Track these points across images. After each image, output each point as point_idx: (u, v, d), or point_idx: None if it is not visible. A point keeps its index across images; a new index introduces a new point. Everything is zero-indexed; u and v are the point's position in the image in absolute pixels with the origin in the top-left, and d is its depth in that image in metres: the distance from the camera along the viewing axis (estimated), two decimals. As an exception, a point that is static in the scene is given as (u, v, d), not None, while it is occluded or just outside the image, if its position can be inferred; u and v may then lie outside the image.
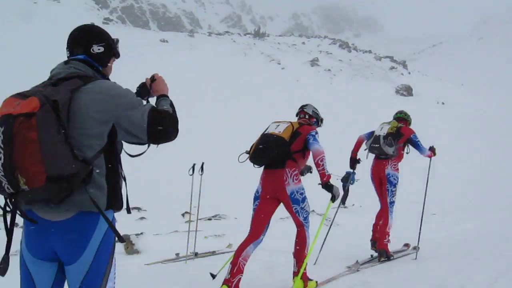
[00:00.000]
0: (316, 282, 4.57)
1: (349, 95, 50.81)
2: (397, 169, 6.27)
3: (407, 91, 55.10)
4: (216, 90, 46.18)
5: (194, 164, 6.64)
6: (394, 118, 6.64)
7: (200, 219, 13.89)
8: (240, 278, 4.14)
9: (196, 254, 6.53)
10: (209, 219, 14.31)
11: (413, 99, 52.62)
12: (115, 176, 2.10)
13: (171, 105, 2.25)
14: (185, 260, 6.14)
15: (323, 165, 4.23)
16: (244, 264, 4.24)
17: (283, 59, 63.75)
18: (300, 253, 4.43)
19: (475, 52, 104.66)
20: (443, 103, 50.47)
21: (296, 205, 4.33)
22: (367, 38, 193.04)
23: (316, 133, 4.41)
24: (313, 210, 7.37)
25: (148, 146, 2.23)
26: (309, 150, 4.37)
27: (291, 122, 4.48)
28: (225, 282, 4.10)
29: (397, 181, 6.21)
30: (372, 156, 6.41)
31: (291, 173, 4.28)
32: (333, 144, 35.15)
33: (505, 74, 74.95)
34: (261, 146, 4.27)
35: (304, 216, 4.42)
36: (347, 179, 19.83)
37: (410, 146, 6.41)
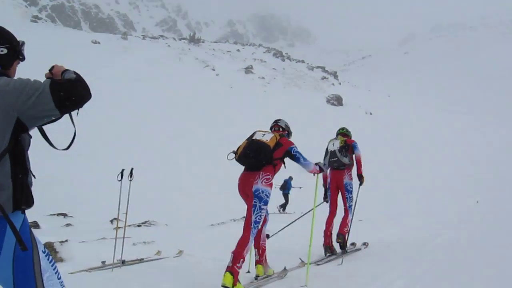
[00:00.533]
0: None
1: (282, 103, 51.52)
2: (351, 178, 7.32)
3: (337, 100, 56.71)
4: (149, 94, 45.42)
5: (123, 170, 6.51)
6: (338, 133, 7.75)
7: (129, 225, 13.60)
8: (265, 255, 5.44)
9: (123, 262, 6.38)
10: (139, 226, 14.04)
11: (343, 109, 54.27)
12: (22, 173, 2.02)
13: (75, 73, 2.17)
14: (112, 268, 5.99)
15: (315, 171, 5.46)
16: (265, 244, 5.50)
17: (217, 66, 63.74)
18: (239, 251, 4.75)
19: (401, 65, 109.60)
20: (371, 113, 52.42)
21: (258, 201, 4.98)
22: (300, 48, 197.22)
23: (297, 149, 5.29)
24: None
25: (74, 126, 2.18)
26: (283, 159, 5.29)
27: (274, 134, 5.32)
28: (257, 263, 5.38)
29: (353, 189, 7.26)
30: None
31: (263, 176, 5.01)
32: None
33: (428, 86, 79.01)
34: (249, 151, 5.05)
35: (257, 218, 4.97)
36: (285, 187, 20.23)
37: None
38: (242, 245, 4.82)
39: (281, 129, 5.77)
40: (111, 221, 14.09)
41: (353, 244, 7.63)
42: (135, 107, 41.54)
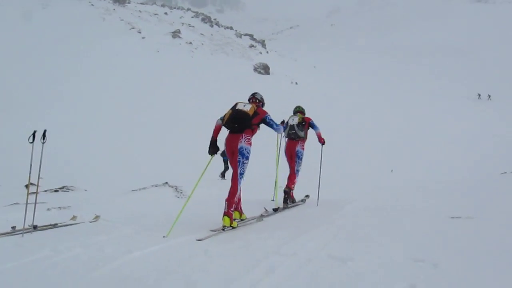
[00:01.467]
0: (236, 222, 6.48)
1: (209, 70, 51.02)
2: (303, 148, 8.99)
3: (264, 69, 56.95)
4: (70, 55, 43.31)
5: (35, 131, 6.19)
6: (295, 110, 9.33)
7: (45, 191, 13.15)
8: (240, 205, 6.70)
9: (35, 227, 6.15)
10: (56, 191, 13.55)
11: (269, 78, 54.64)
12: None
13: None
14: (22, 234, 5.77)
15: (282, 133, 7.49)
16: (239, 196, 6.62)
17: (144, 28, 61.68)
18: (230, 199, 6.25)
19: (327, 37, 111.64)
20: (296, 83, 53.19)
21: (241, 157, 6.40)
22: (229, 15, 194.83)
23: (270, 117, 6.71)
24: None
25: None
26: (260, 124, 6.64)
27: (252, 104, 6.64)
28: (224, 214, 6.14)
29: (302, 156, 8.96)
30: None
31: (245, 137, 6.45)
32: (195, 118, 35.22)
33: (353, 58, 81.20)
34: (236, 118, 6.44)
35: (242, 170, 6.41)
36: (225, 153, 20.09)
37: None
38: (233, 193, 6.31)
39: (257, 101, 7.05)
40: (26, 186, 13.51)
41: (307, 196, 9.69)
42: (55, 68, 39.56)
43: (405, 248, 4.36)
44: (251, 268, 3.95)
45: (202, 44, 63.93)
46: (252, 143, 6.49)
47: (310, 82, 53.69)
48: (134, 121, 32.99)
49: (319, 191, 9.01)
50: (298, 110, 9.28)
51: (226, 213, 6.12)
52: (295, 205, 8.82)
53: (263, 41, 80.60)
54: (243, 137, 6.45)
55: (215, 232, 5.95)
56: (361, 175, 19.43)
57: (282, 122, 8.41)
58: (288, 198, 8.66)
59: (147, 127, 32.30)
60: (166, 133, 31.32)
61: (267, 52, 71.62)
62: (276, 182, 7.98)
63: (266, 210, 7.84)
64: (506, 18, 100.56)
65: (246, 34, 79.89)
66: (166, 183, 12.82)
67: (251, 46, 71.00)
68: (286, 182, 8.82)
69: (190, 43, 62.20)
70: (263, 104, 7.18)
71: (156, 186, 12.71)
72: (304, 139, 8.94)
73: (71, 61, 42.01)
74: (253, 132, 6.59)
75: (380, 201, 8.74)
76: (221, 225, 6.17)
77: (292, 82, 53.35)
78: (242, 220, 6.72)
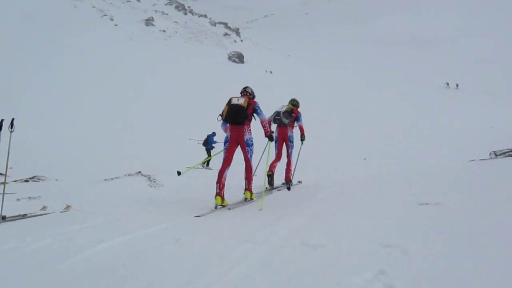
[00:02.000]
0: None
1: (184, 58, 50.56)
2: (293, 132, 9.90)
3: (239, 58, 56.73)
4: (39, 42, 42.33)
5: (2, 120, 6.05)
6: (290, 102, 10.18)
7: (15, 181, 12.87)
8: (224, 190, 7.22)
9: (3, 218, 6.03)
10: (26, 181, 13.30)
11: (244, 66, 54.46)
12: None
13: None
14: (-11, 225, 5.66)
15: (266, 125, 7.76)
16: (225, 181, 7.30)
17: (116, 15, 60.64)
18: (248, 176, 7.75)
19: (301, 26, 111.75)
20: (271, 72, 53.15)
21: (248, 147, 7.54)
22: (203, 2, 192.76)
23: (259, 105, 7.71)
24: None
25: None
26: (253, 114, 7.65)
27: (245, 97, 7.59)
28: (217, 194, 7.12)
29: (294, 139, 9.82)
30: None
31: (247, 129, 7.55)
32: (168, 107, 34.89)
33: (327, 47, 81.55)
34: (234, 112, 7.41)
35: (250, 155, 7.62)
36: (207, 142, 19.99)
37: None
38: (249, 170, 7.73)
39: (248, 94, 7.86)
40: (-5, 177, 13.20)
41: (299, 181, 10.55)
42: (25, 57, 38.68)
43: (375, 234, 4.42)
44: (223, 256, 3.95)
45: (176, 32, 63.28)
46: (251, 131, 7.64)
47: (285, 71, 53.71)
48: (106, 110, 32.57)
49: (292, 178, 10.02)
50: (292, 103, 10.21)
51: (247, 189, 7.71)
52: (276, 188, 9.51)
53: (238, 29, 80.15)
54: (246, 129, 7.52)
55: (240, 203, 7.51)
56: (334, 162, 19.64)
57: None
58: (272, 180, 9.47)
59: (119, 116, 31.92)
60: (139, 122, 31.02)
61: (242, 40, 71.32)
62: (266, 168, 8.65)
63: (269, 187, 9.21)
64: (476, 9, 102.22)
65: (220, 23, 79.33)
66: (139, 172, 12.70)
67: (226, 34, 70.59)
68: (270, 167, 9.31)
69: (164, 31, 61.51)
70: (253, 97, 7.94)
71: (129, 175, 12.58)
72: (291, 125, 9.82)
73: (41, 50, 41.09)
74: (250, 121, 7.66)
75: (352, 188, 8.84)
76: (243, 198, 7.74)
77: (266, 71, 53.29)
78: (252, 199, 7.80)
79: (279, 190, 9.33)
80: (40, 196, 8.87)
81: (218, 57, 55.09)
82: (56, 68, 38.58)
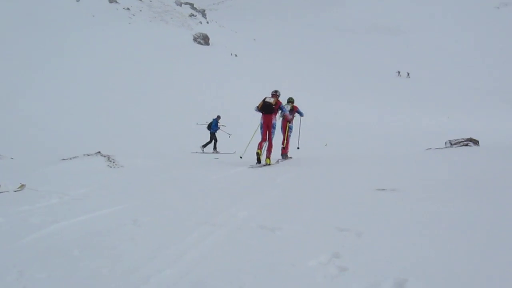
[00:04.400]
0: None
1: (148, 38, 49.66)
2: (275, 120, 11.76)
3: (204, 40, 56.15)
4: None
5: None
6: (288, 100, 13.48)
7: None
8: (263, 153, 11.21)
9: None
10: (-22, 160, 12.89)
11: (209, 48, 53.98)
12: None
13: None
14: None
15: (288, 117, 12.68)
16: (262, 149, 11.17)
17: (77, -9, 58.86)
18: (269, 150, 11.31)
19: (268, 10, 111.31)
20: (236, 55, 52.90)
21: (273, 129, 11.45)
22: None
23: (283, 105, 11.83)
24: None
25: None
26: (278, 109, 11.58)
27: (274, 98, 11.53)
28: (258, 152, 11.01)
29: (276, 126, 11.79)
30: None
31: (273, 117, 11.41)
32: (131, 89, 34.29)
33: (292, 33, 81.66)
34: (266, 107, 11.26)
35: (273, 135, 11.42)
36: (210, 126, 19.73)
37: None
38: (269, 148, 11.39)
39: (277, 94, 11.82)
40: None
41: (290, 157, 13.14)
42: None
43: (331, 218, 4.49)
44: (180, 238, 3.93)
45: (141, 10, 62.04)
46: (274, 120, 11.53)
47: (250, 55, 53.56)
48: (65, 88, 31.73)
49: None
50: (289, 100, 13.53)
51: (268, 157, 11.23)
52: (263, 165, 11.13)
53: (204, 10, 79.18)
54: (273, 118, 11.42)
55: (256, 166, 10.67)
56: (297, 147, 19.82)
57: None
58: (259, 160, 11.19)
59: (79, 95, 31.18)
60: (99, 103, 30.40)
61: (208, 22, 70.59)
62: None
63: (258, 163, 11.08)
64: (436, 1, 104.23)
65: (186, 3, 78.12)
66: (99, 152, 12.49)
67: (191, 15, 69.66)
68: (260, 148, 11.32)
69: (128, 9, 60.22)
70: (279, 95, 11.80)
71: (88, 155, 12.35)
72: (275, 114, 11.71)
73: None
74: (275, 113, 11.57)
75: (311, 173, 8.95)
76: (263, 163, 11.01)
77: (231, 54, 53.01)
78: (269, 164, 11.12)
79: (261, 167, 10.80)
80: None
81: (183, 38, 54.39)
82: (12, 43, 37.26)
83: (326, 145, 21.36)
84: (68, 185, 7.30)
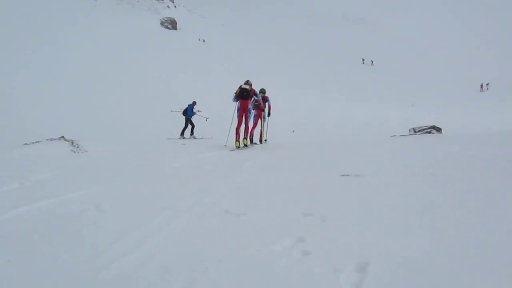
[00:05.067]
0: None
1: (114, 23, 48.63)
2: (253, 106, 13.50)
3: (171, 24, 55.40)
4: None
5: None
6: (260, 91, 14.16)
7: None
8: (240, 138, 12.53)
9: None
10: None
11: (177, 33, 53.31)
12: None
13: None
14: None
15: (261, 104, 14.29)
16: (240, 133, 12.55)
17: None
18: (246, 132, 12.68)
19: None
20: (204, 40, 52.42)
21: (249, 114, 12.94)
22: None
23: (256, 92, 13.10)
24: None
25: None
26: (253, 96, 12.92)
27: (248, 86, 12.55)
28: (236, 140, 12.42)
29: (251, 112, 13.45)
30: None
31: (249, 103, 12.65)
32: (95, 74, 33.61)
33: (261, 20, 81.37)
34: (245, 93, 12.44)
35: (250, 119, 12.93)
36: (186, 112, 19.42)
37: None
38: (246, 130, 12.69)
39: (249, 83, 12.76)
40: None
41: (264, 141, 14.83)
42: None
43: (296, 203, 4.53)
44: (143, 223, 3.90)
45: (106, -7, 60.54)
46: (250, 106, 12.86)
47: (218, 40, 53.16)
48: (28, 73, 30.85)
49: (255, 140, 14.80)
50: (262, 91, 14.65)
51: (245, 137, 12.68)
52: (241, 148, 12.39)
53: (171, -6, 77.95)
54: (249, 103, 12.62)
55: (236, 149, 11.73)
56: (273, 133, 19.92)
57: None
58: (244, 143, 12.74)
59: (42, 80, 30.36)
60: (62, 89, 29.69)
61: (175, 6, 69.59)
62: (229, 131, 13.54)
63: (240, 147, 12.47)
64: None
65: (153, -14, 76.63)
66: (62, 137, 12.21)
67: (159, -1, 68.47)
68: (237, 140, 12.56)
69: (92, -9, 58.63)
70: (251, 85, 12.77)
71: (51, 140, 12.06)
72: (250, 100, 12.87)
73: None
74: (250, 99, 12.68)
75: (277, 159, 8.99)
76: (239, 146, 12.44)
77: (199, 39, 52.51)
78: (245, 145, 12.75)
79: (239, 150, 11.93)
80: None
81: (150, 23, 53.55)
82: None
83: (293, 131, 21.49)
84: (30, 170, 7.12)
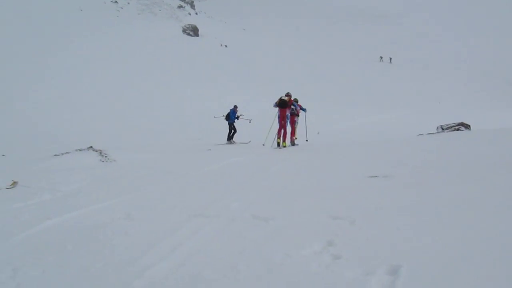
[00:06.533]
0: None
1: (137, 31, 49.32)
2: (290, 113, 14.72)
3: (193, 31, 55.85)
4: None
5: None
6: (286, 94, 14.82)
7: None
8: (280, 138, 14.41)
9: None
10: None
11: (198, 40, 53.71)
12: None
13: None
14: None
15: (298, 111, 15.38)
16: (280, 135, 14.43)
17: (63, -15, 58.18)
18: (285, 136, 14.42)
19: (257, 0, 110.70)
20: (226, 46, 52.67)
21: (288, 119, 14.54)
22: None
23: (294, 102, 15.02)
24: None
25: None
26: (291, 105, 14.75)
27: (288, 97, 14.43)
28: (277, 139, 14.49)
29: (289, 118, 14.74)
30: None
31: (288, 111, 14.47)
32: (122, 83, 34.09)
33: (283, 23, 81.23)
34: (283, 101, 14.26)
35: (288, 124, 14.65)
36: (228, 117, 19.44)
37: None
38: (285, 134, 14.34)
39: (289, 95, 14.48)
40: None
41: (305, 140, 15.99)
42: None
43: (324, 207, 4.50)
44: (174, 231, 3.93)
45: (128, 3, 61.49)
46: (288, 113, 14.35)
47: (240, 45, 53.32)
48: (54, 84, 31.49)
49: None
50: (287, 94, 14.99)
51: (284, 140, 14.23)
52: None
53: (192, 1, 78.54)
54: (287, 111, 14.35)
55: (277, 148, 13.74)
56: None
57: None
58: (279, 145, 14.36)
59: (68, 91, 30.96)
60: (88, 98, 30.20)
61: (196, 13, 70.13)
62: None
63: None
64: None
65: (174, -6, 77.44)
66: (91, 147, 12.41)
67: (180, 6, 69.12)
68: (279, 137, 14.50)
69: (116, 1, 59.68)
70: (290, 96, 14.55)
71: (80, 150, 12.27)
72: (289, 108, 14.59)
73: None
74: (289, 108, 14.40)
75: (304, 162, 8.97)
76: (281, 146, 14.12)
77: (221, 45, 52.78)
78: (284, 146, 14.24)
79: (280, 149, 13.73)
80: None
81: (172, 30, 54.08)
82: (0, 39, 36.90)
83: (318, 133, 21.40)
84: (60, 181, 7.25)
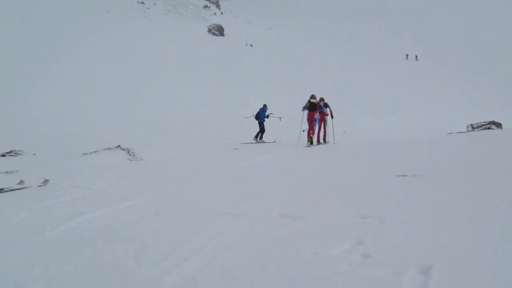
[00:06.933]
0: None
1: (163, 31, 49.79)
2: (318, 115, 14.91)
3: (219, 30, 56.11)
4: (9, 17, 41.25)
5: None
6: (319, 98, 15.55)
7: (-9, 155, 12.66)
8: (311, 138, 14.65)
9: (-21, 192, 5.95)
10: (3, 155, 13.14)
11: (224, 39, 53.92)
12: None
13: None
14: (-35, 199, 5.56)
15: (328, 114, 15.97)
16: (310, 135, 14.62)
17: (91, -13, 59.15)
18: (312, 136, 14.64)
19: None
20: (251, 45, 52.73)
21: (316, 122, 14.82)
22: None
23: (322, 105, 15.31)
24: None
25: None
26: (320, 107, 15.13)
27: (316, 100, 14.89)
28: (308, 140, 14.54)
29: (318, 119, 15.04)
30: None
31: (316, 113, 14.75)
32: (148, 82, 34.45)
33: (307, 22, 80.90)
34: (312, 104, 14.69)
35: (316, 125, 14.91)
36: (258, 116, 19.50)
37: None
38: (312, 133, 14.58)
39: (315, 98, 14.85)
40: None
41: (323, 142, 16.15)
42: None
43: (353, 206, 4.47)
44: (202, 229, 3.95)
45: (155, 4, 62.17)
46: (317, 115, 14.62)
47: (265, 44, 53.31)
48: (82, 84, 32.02)
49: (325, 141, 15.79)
50: (321, 98, 15.85)
51: (308, 140, 14.40)
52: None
53: (217, 1, 78.94)
54: (316, 113, 14.62)
55: (307, 147, 13.91)
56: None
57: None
58: (311, 142, 14.66)
59: (96, 90, 31.43)
60: (116, 98, 30.61)
61: (222, 13, 70.44)
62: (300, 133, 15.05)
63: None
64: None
65: (200, -6, 77.92)
66: (119, 146, 12.59)
67: (205, 6, 69.55)
68: (309, 139, 14.74)
69: (142, 2, 60.41)
70: (321, 98, 15.44)
71: (108, 149, 12.45)
72: (317, 111, 14.92)
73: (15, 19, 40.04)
74: (317, 111, 14.70)
75: (332, 160, 8.91)
76: (306, 145, 14.24)
77: (247, 44, 52.87)
78: (311, 145, 14.42)
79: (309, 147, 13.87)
80: (17, 171, 8.77)
81: (198, 30, 54.44)
82: (27, 42, 37.66)
83: (344, 132, 21.26)
84: (90, 179, 7.38)
